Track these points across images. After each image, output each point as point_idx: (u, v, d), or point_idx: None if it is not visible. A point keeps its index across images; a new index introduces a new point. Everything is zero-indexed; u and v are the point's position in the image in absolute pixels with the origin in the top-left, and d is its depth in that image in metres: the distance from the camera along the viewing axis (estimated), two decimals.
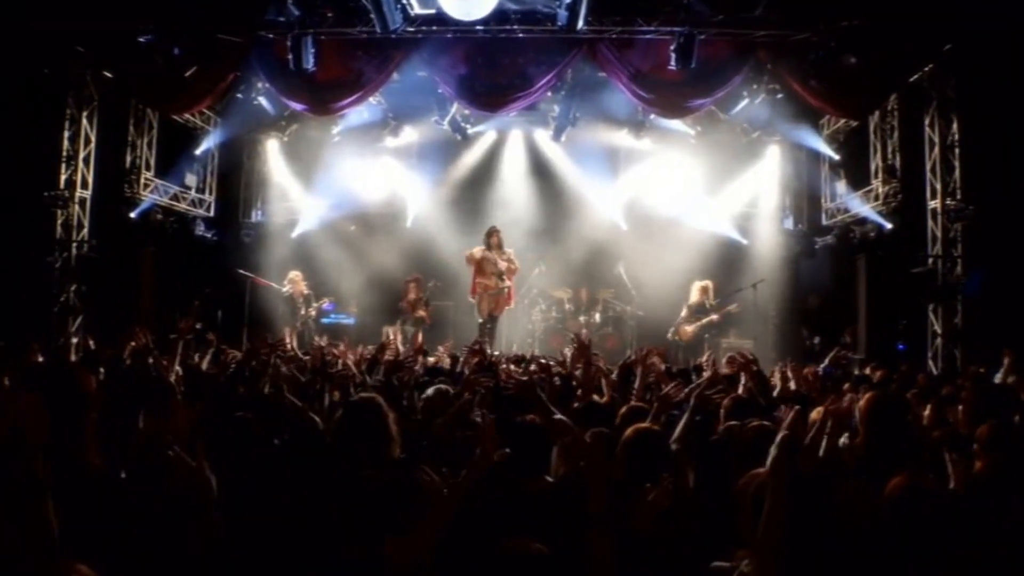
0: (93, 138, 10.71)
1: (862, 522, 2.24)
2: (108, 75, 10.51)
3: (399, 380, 4.73)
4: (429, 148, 13.33)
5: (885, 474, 2.35)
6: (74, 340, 9.57)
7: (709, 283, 11.48)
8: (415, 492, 2.25)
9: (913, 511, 2.13)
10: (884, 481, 2.31)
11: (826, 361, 8.08)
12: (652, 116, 11.79)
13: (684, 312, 11.47)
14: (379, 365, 5.51)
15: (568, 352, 6.76)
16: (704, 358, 8.13)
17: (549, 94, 11.02)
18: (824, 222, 12.75)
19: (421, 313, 11.86)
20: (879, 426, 3.01)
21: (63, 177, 10.42)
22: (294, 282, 11.55)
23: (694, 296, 11.42)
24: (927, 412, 4.48)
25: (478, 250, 10.94)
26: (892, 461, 2.67)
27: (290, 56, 9.39)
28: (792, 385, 5.55)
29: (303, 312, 11.46)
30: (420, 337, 11.82)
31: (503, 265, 10.90)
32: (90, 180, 10.73)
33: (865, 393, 3.74)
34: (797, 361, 7.40)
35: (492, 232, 11.00)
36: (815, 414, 3.69)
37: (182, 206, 12.46)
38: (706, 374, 5.41)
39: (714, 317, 11.19)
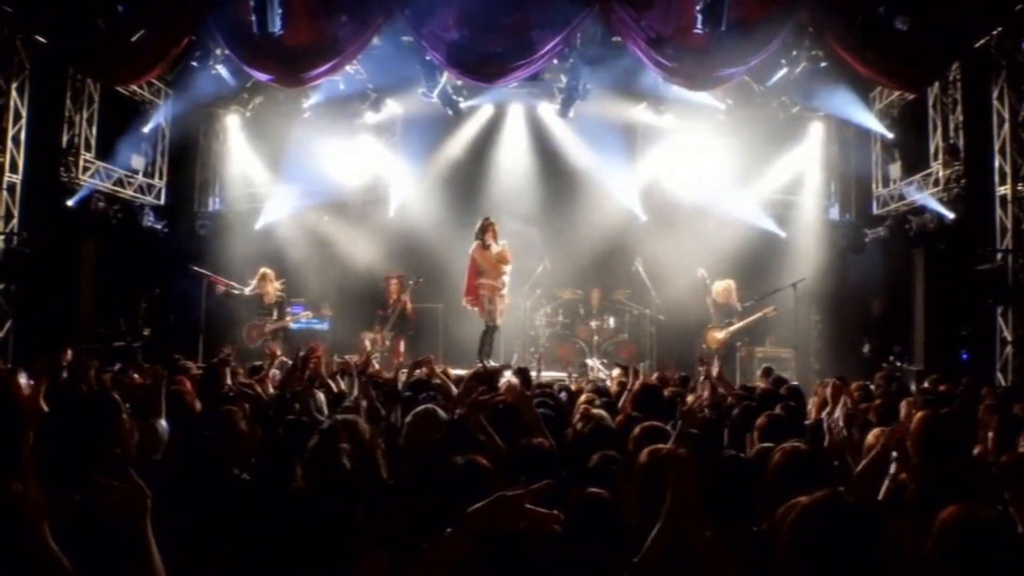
0: (24, 114, 10.70)
1: (913, 566, 2.24)
2: (41, 40, 10.50)
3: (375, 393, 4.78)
4: (415, 125, 13.33)
5: (941, 509, 2.35)
6: None
7: (731, 282, 11.51)
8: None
9: (968, 549, 2.12)
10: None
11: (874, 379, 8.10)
12: (675, 88, 11.79)
13: (712, 311, 11.51)
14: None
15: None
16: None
17: (555, 62, 11.03)
18: (876, 211, 12.76)
19: (402, 316, 11.88)
20: (934, 452, 3.03)
21: None
22: (267, 280, 11.44)
23: (718, 298, 11.45)
24: (992, 434, 4.50)
25: (479, 248, 10.73)
26: (950, 493, 2.68)
27: (253, 17, 9.38)
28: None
29: (274, 317, 11.40)
30: (402, 345, 11.93)
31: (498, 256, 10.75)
32: (20, 162, 10.73)
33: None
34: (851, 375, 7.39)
35: (489, 225, 10.77)
36: (871, 437, 3.73)
37: (128, 192, 12.47)
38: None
39: (746, 322, 11.24)
